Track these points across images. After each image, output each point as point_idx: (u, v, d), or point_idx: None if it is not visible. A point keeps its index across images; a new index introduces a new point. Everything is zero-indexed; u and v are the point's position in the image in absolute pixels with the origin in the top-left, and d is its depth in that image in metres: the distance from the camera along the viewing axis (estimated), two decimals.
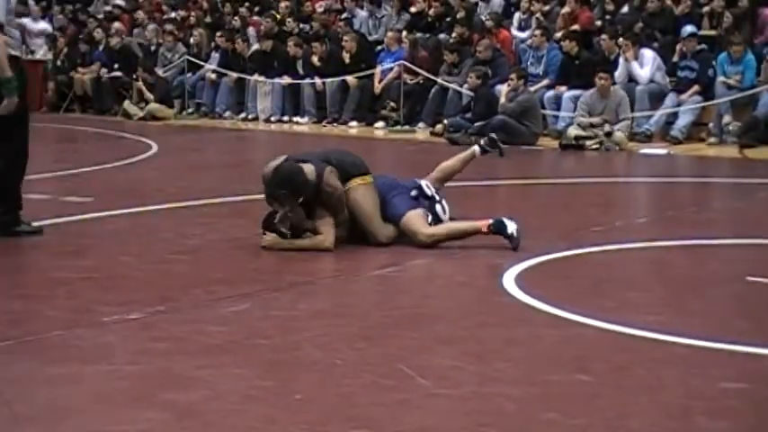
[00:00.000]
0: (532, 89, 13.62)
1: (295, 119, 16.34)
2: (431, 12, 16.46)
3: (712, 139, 12.93)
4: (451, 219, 6.50)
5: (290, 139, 14.69)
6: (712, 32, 14.16)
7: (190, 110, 17.95)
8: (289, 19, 17.58)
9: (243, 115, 17.03)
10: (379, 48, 16.40)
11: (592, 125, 12.52)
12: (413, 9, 16.87)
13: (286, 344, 4.27)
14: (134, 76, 17.50)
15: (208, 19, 19.20)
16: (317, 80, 16.07)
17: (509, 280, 5.39)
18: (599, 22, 15.14)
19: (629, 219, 7.81)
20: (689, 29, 13.47)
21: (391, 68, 15.54)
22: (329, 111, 16.06)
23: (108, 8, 21.25)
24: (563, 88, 13.88)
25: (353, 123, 15.69)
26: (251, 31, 18.18)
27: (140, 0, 20.83)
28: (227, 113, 17.20)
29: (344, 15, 17.56)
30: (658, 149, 12.44)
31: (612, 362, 4.05)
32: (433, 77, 15.04)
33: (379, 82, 15.60)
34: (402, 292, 5.39)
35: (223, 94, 17.33)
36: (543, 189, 9.72)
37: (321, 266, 5.89)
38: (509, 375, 3.88)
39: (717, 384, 3.78)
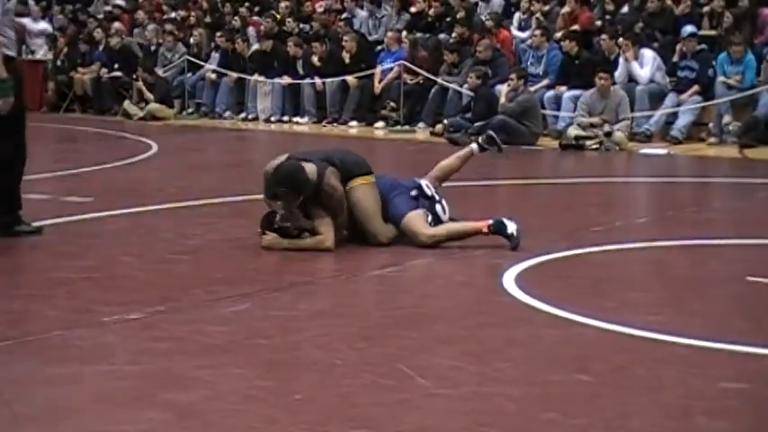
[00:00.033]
0: (532, 89, 13.62)
1: (295, 119, 16.34)
2: (431, 12, 16.46)
3: (712, 139, 12.93)
4: (451, 219, 6.50)
5: (290, 139, 14.68)
6: (712, 32, 14.16)
7: (190, 110, 17.95)
8: (289, 19, 17.58)
9: (243, 115, 17.03)
10: (379, 48, 16.40)
11: (592, 125, 12.51)
12: (413, 9, 16.87)
13: (286, 344, 4.27)
14: (134, 76, 17.50)
15: (208, 19, 19.20)
16: (317, 80, 16.07)
17: (509, 280, 5.39)
18: (599, 22, 15.14)
19: (629, 219, 7.81)
20: (689, 29, 13.47)
21: (391, 68, 15.54)
22: (329, 111, 16.05)
23: (108, 8, 21.25)
24: (563, 88, 13.88)
25: (353, 123, 15.68)
26: (251, 31, 18.18)
27: (140, 0, 20.83)
28: (227, 113, 17.20)
29: (344, 15, 17.56)
30: (658, 149, 12.44)
31: (612, 362, 4.05)
32: (433, 77, 15.04)
33: (379, 82, 15.60)
34: (402, 292, 5.39)
35: (223, 94, 17.33)
36: (543, 189, 9.72)
37: (321, 266, 5.89)
38: (509, 375, 3.88)
39: (717, 384, 3.78)
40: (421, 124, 14.97)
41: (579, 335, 4.46)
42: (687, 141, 13.02)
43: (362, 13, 17.49)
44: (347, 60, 15.88)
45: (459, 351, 4.15)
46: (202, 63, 17.80)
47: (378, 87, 15.60)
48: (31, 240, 6.47)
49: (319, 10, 17.99)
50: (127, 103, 17.37)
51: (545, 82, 14.23)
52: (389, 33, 16.12)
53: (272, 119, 16.53)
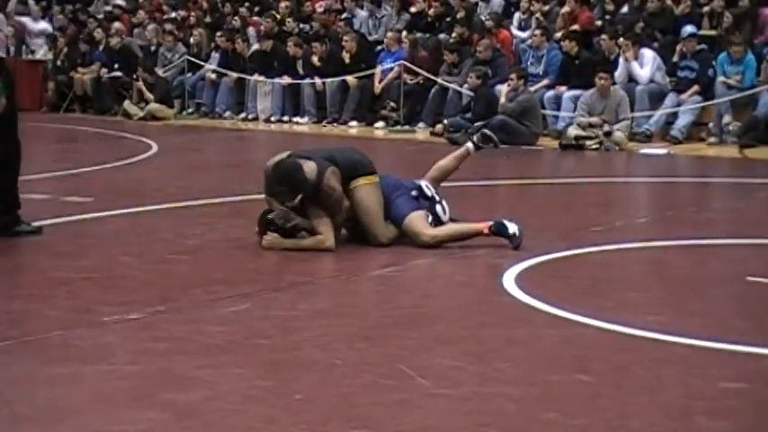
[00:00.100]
0: (532, 89, 13.63)
1: (295, 119, 16.35)
2: (431, 12, 16.46)
3: (712, 139, 12.93)
4: (452, 219, 6.50)
5: (290, 139, 14.68)
6: (712, 32, 14.16)
7: (190, 110, 17.95)
8: (289, 19, 17.58)
9: (243, 115, 17.04)
10: (379, 48, 16.41)
11: (591, 125, 12.52)
12: (413, 9, 16.88)
13: (286, 344, 4.27)
14: (134, 76, 17.50)
15: (208, 19, 19.20)
16: (317, 80, 16.08)
17: (509, 280, 5.38)
18: (599, 22, 15.14)
19: (628, 219, 7.81)
20: (689, 29, 13.48)
21: (391, 68, 15.54)
22: (329, 111, 16.06)
23: (108, 8, 21.26)
24: (563, 88, 13.89)
25: (353, 123, 15.69)
26: (251, 31, 18.18)
27: (140, 0, 20.83)
28: (227, 113, 17.20)
29: (344, 15, 17.56)
30: (658, 149, 12.44)
31: (612, 362, 4.05)
32: (433, 77, 15.05)
33: (380, 82, 15.61)
34: (402, 292, 5.39)
35: (223, 94, 17.34)
36: (543, 189, 9.72)
37: (321, 266, 5.89)
38: (509, 375, 3.88)
39: (717, 384, 3.78)
40: (421, 124, 14.97)
41: (579, 335, 4.46)
42: (687, 141, 13.02)
43: (362, 13, 17.49)
44: (347, 60, 15.88)
45: (459, 351, 4.15)
46: (202, 63, 17.80)
47: (378, 87, 15.61)
48: (31, 240, 6.47)
49: (319, 10, 18.00)
50: (127, 103, 17.38)
51: (545, 82, 14.23)
52: (389, 33, 16.13)
53: (272, 119, 16.54)
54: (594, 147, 12.36)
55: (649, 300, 5.18)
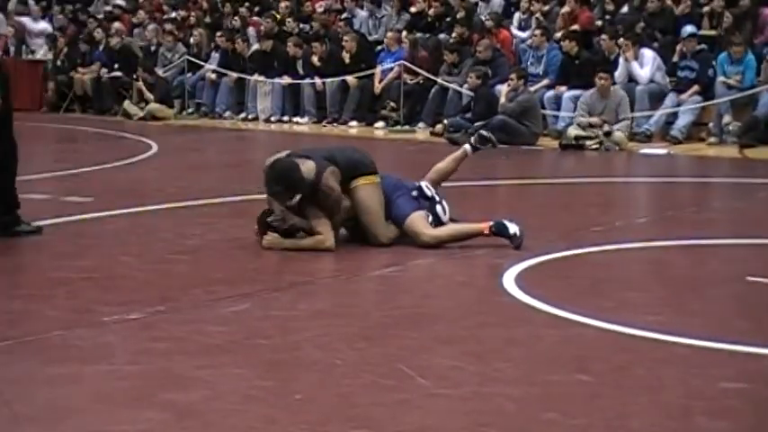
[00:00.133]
0: (532, 89, 13.63)
1: (295, 119, 16.35)
2: (431, 12, 16.46)
3: (712, 139, 12.93)
4: (452, 219, 6.50)
5: (290, 139, 14.67)
6: (712, 32, 14.17)
7: (190, 110, 17.95)
8: (289, 19, 17.58)
9: (243, 115, 17.03)
10: (379, 48, 16.41)
11: (591, 125, 12.52)
12: (413, 9, 16.88)
13: (286, 344, 4.27)
14: (134, 76, 17.50)
15: (208, 19, 19.20)
16: (317, 80, 16.08)
17: (509, 280, 5.38)
18: (599, 22, 15.14)
19: (628, 219, 7.81)
20: (689, 29, 13.48)
21: (391, 68, 15.54)
22: (329, 111, 16.06)
23: (108, 8, 21.26)
24: (563, 88, 13.89)
25: (353, 123, 15.69)
26: (251, 31, 18.18)
27: (140, 0, 20.83)
28: (227, 113, 17.20)
29: (344, 15, 17.56)
30: (658, 149, 12.44)
31: (612, 362, 4.05)
32: (433, 77, 15.05)
33: (380, 82, 15.61)
34: (402, 292, 5.39)
35: (223, 94, 17.34)
36: (543, 189, 9.72)
37: (321, 266, 5.89)
38: (509, 375, 3.88)
39: (717, 384, 3.78)
40: (421, 124, 14.97)
41: (579, 335, 4.46)
42: (687, 141, 13.02)
43: (362, 13, 17.49)
44: (347, 60, 15.88)
45: (459, 351, 4.15)
46: (202, 63, 17.80)
47: (378, 87, 15.61)
48: (31, 240, 6.47)
49: (319, 10, 18.00)
50: (127, 103, 17.38)
51: (545, 82, 14.23)
52: (389, 33, 16.13)
53: (272, 119, 16.54)
54: (594, 147, 12.36)
55: (649, 300, 5.18)
